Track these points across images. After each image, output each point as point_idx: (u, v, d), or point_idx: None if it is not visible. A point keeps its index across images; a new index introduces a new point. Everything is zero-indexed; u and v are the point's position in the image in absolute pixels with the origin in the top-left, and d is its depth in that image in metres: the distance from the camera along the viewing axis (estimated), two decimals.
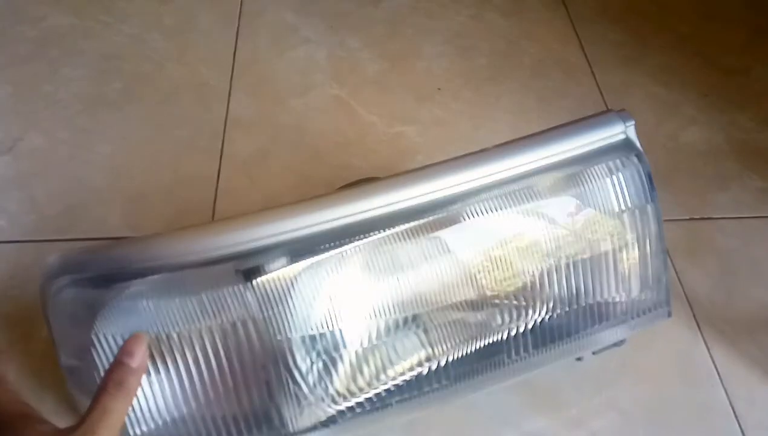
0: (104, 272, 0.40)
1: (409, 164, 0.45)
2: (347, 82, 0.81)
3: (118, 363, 0.37)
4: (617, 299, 0.49)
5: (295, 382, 0.43)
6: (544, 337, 0.48)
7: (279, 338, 0.42)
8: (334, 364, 0.44)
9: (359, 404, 0.45)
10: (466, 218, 0.44)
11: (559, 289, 0.47)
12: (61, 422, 0.36)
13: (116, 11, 0.87)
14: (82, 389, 0.42)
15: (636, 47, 0.87)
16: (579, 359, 0.52)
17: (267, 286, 0.41)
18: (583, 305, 0.48)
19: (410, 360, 0.46)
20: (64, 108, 0.76)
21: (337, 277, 0.43)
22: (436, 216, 0.44)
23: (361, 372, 0.45)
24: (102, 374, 0.41)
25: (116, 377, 0.36)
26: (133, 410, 0.42)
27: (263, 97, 0.78)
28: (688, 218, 0.68)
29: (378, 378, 0.45)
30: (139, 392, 0.42)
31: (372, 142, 0.74)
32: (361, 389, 0.45)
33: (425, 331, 0.46)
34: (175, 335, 0.41)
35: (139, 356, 0.37)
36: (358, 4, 0.91)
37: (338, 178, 0.60)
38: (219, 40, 0.85)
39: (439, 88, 0.81)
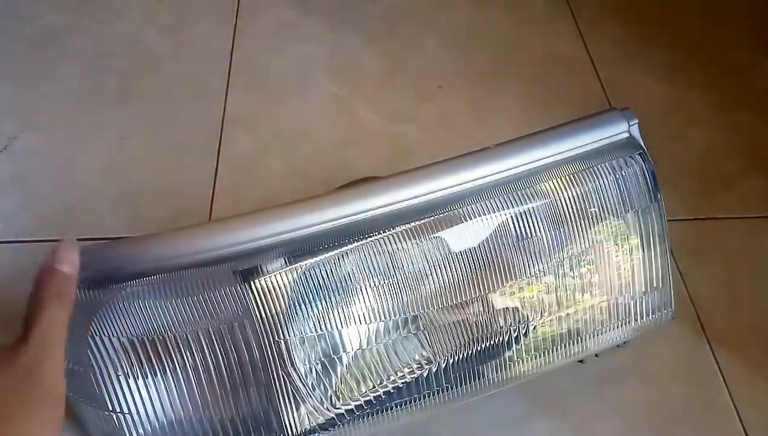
0: (100, 272, 0.39)
1: (410, 163, 0.45)
2: (347, 81, 0.80)
3: (54, 272, 0.34)
4: (621, 301, 0.49)
5: (293, 384, 0.43)
6: (546, 339, 0.48)
7: (277, 339, 0.41)
8: (333, 366, 0.44)
9: (359, 406, 0.45)
10: (467, 218, 0.44)
11: (562, 290, 0.47)
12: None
13: (113, 9, 0.87)
14: (79, 392, 0.42)
15: (639, 45, 0.86)
16: (581, 361, 0.51)
17: (265, 287, 0.41)
18: (586, 306, 0.48)
19: (410, 362, 0.45)
20: (60, 107, 0.76)
21: (336, 278, 0.42)
22: (436, 216, 0.43)
23: (361, 374, 0.45)
24: (100, 376, 0.40)
25: (55, 288, 0.34)
26: (131, 411, 0.41)
27: (261, 96, 0.78)
28: (692, 217, 0.68)
29: (378, 380, 0.45)
30: (137, 394, 0.41)
31: (372, 141, 0.74)
32: (360, 392, 0.45)
33: (425, 333, 0.45)
34: (172, 337, 0.41)
35: (74, 262, 0.35)
36: (358, 0, 0.90)
37: (337, 178, 0.59)
38: (216, 37, 0.84)
39: (439, 87, 0.80)
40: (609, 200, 0.47)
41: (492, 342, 0.46)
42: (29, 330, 0.32)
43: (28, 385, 0.31)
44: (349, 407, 0.45)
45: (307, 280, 0.41)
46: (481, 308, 0.46)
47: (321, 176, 0.70)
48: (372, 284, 0.43)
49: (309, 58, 0.83)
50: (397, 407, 0.46)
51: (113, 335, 0.40)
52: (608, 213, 0.47)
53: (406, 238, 0.43)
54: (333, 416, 0.44)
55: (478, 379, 0.47)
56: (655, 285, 0.49)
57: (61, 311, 0.33)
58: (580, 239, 0.47)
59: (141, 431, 0.42)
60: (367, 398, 0.45)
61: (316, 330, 0.43)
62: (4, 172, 0.69)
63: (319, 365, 0.43)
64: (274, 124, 0.75)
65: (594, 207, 0.46)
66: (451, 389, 0.46)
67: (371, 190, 0.43)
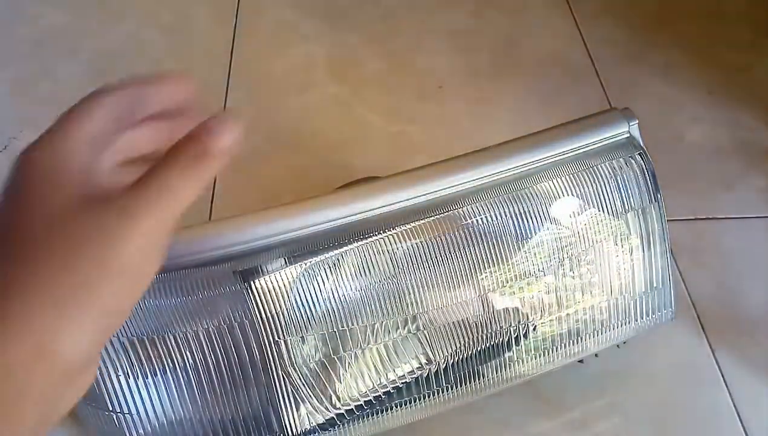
0: None
1: (410, 164, 0.44)
2: (347, 81, 0.80)
3: (207, 136, 0.25)
4: (621, 301, 0.49)
5: (293, 384, 0.43)
6: (546, 339, 0.48)
7: (277, 339, 0.41)
8: (333, 366, 0.44)
9: (359, 407, 0.45)
10: (467, 218, 0.43)
11: (562, 290, 0.47)
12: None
13: (113, 9, 0.87)
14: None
15: (639, 45, 0.86)
16: (581, 361, 0.51)
17: (265, 287, 0.40)
18: (586, 306, 0.48)
19: (410, 363, 0.45)
20: (60, 107, 0.75)
21: (335, 278, 0.42)
22: (436, 216, 0.43)
23: (361, 374, 0.45)
24: (100, 376, 0.40)
25: (197, 152, 0.25)
26: (131, 411, 0.41)
27: (261, 96, 0.78)
28: (692, 218, 0.68)
29: (378, 381, 0.45)
30: (137, 394, 0.41)
31: (372, 141, 0.74)
32: (360, 392, 0.45)
33: (425, 333, 0.45)
34: (172, 337, 0.41)
35: (232, 138, 0.26)
36: (358, 0, 0.90)
37: (337, 178, 0.59)
38: (216, 37, 0.84)
39: (440, 87, 0.80)
40: (609, 200, 0.47)
41: (492, 342, 0.46)
42: (137, 184, 0.24)
43: (103, 246, 0.23)
44: (349, 407, 0.45)
45: (307, 280, 0.41)
46: (481, 308, 0.46)
47: (321, 176, 0.69)
48: (372, 284, 0.43)
49: (309, 58, 0.83)
50: (397, 407, 0.46)
51: (113, 335, 0.40)
52: (609, 213, 0.47)
53: (406, 238, 0.43)
54: (333, 416, 0.44)
55: (478, 379, 0.47)
56: (655, 285, 0.49)
57: (193, 182, 0.24)
58: (580, 239, 0.47)
59: (141, 431, 0.42)
60: (367, 398, 0.45)
61: (315, 330, 0.43)
62: (4, 172, 0.69)
63: (319, 365, 0.43)
64: (274, 124, 0.75)
65: (595, 207, 0.46)
66: (451, 389, 0.46)
67: (371, 190, 0.43)
